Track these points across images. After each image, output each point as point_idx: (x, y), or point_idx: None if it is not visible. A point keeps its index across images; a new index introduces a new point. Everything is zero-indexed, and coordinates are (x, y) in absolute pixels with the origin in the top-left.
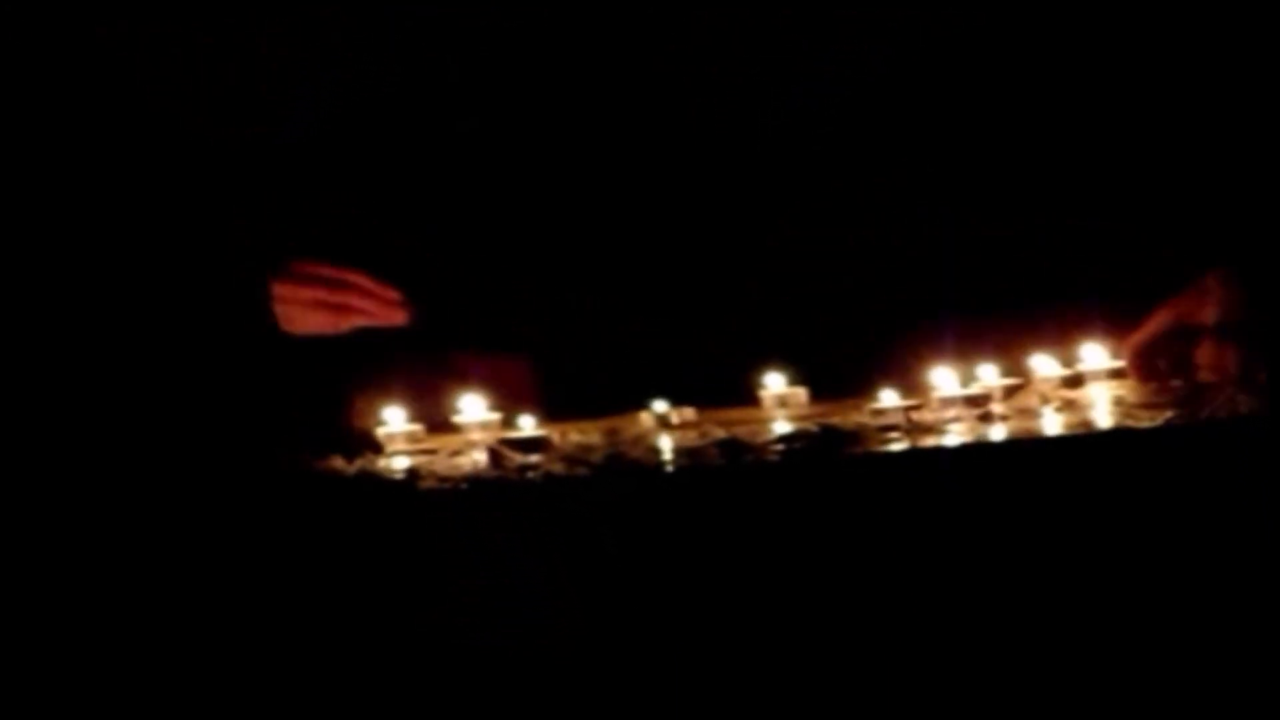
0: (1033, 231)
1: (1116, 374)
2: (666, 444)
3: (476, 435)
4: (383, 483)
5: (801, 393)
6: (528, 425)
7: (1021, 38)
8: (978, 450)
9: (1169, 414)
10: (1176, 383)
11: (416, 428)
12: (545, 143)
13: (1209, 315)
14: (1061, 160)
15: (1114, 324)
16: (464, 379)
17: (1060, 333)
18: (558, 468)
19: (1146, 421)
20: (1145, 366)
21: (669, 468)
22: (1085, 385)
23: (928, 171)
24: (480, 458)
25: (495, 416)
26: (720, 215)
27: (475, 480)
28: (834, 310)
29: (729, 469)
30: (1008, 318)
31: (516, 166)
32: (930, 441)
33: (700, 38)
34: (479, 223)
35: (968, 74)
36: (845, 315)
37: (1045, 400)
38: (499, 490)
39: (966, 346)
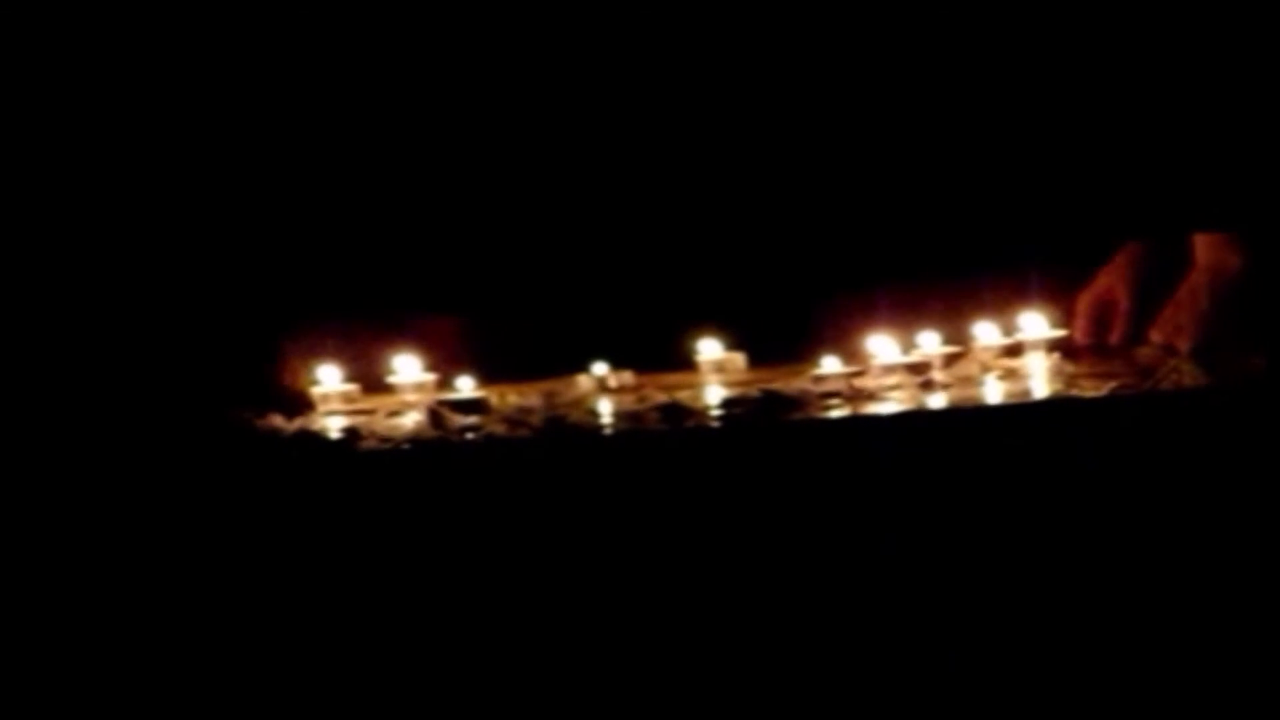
0: (973, 199)
1: (1056, 343)
2: (607, 407)
3: (412, 396)
4: (323, 442)
5: (739, 358)
6: (466, 387)
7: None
8: (919, 417)
9: (1113, 384)
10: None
11: (352, 387)
12: (483, 106)
13: (1125, 286)
14: (1001, 129)
15: (1053, 293)
16: (399, 339)
17: (1000, 301)
18: (499, 429)
19: (1091, 391)
20: (1091, 328)
21: (610, 431)
22: (1025, 354)
23: (868, 139)
24: (419, 418)
25: (430, 377)
26: (658, 179)
27: (416, 441)
28: (772, 276)
29: (671, 433)
30: (948, 285)
31: (456, 130)
32: (872, 408)
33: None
34: (417, 185)
35: (903, 43)
36: (784, 281)
37: (986, 368)
38: (440, 451)
39: (906, 313)
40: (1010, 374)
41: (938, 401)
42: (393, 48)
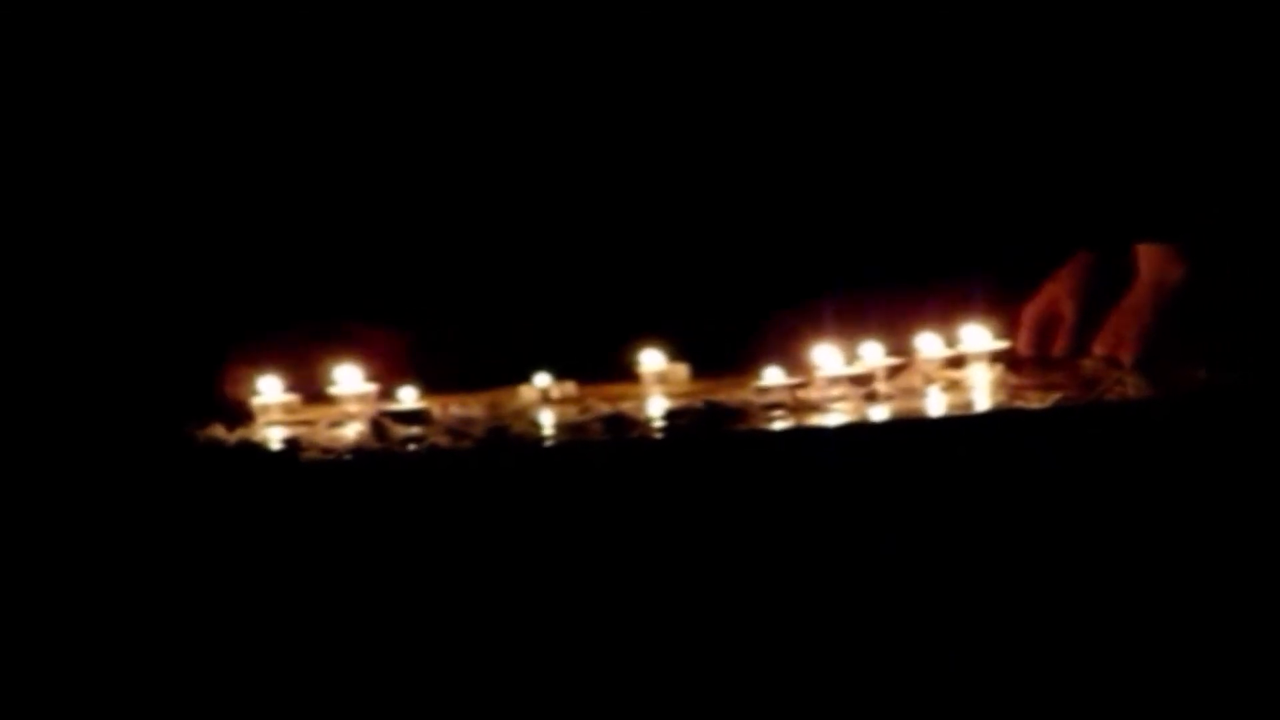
0: (915, 210)
1: (999, 356)
2: (549, 419)
3: (354, 407)
4: (265, 453)
5: (682, 369)
6: (408, 398)
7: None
8: (864, 429)
9: (1057, 396)
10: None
11: (292, 398)
12: (424, 115)
13: (1070, 298)
14: (947, 141)
15: (996, 305)
16: (339, 350)
17: (943, 313)
18: (442, 440)
19: (1035, 403)
20: (1035, 339)
21: (553, 442)
22: (968, 366)
23: (812, 150)
24: (362, 429)
25: (372, 388)
26: (601, 190)
27: (358, 452)
28: (715, 287)
29: (614, 444)
30: (890, 296)
31: (396, 141)
32: (816, 420)
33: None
34: (358, 196)
35: (845, 54)
36: (727, 293)
37: (929, 380)
38: (383, 462)
39: (849, 325)
40: (953, 386)
41: (882, 413)
42: (329, 64)
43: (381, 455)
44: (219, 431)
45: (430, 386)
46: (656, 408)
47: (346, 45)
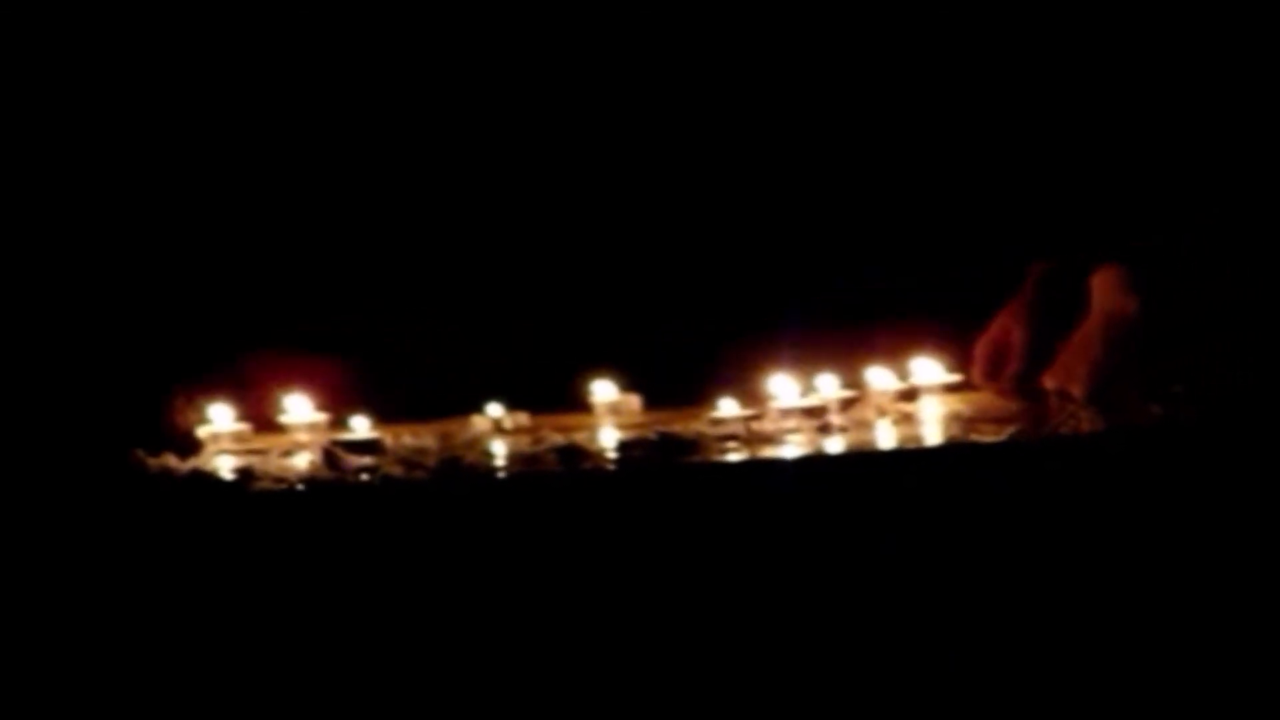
0: (866, 243)
1: (951, 388)
2: (502, 449)
3: (304, 436)
4: (217, 482)
5: (634, 400)
6: (361, 427)
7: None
8: (819, 461)
9: (1011, 429)
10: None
11: (243, 427)
12: (370, 137)
13: (1022, 326)
14: (897, 171)
15: (947, 338)
16: (289, 379)
17: (893, 346)
18: (396, 470)
19: (989, 436)
20: (988, 369)
21: (506, 473)
22: (920, 398)
23: (762, 182)
24: (314, 458)
25: (323, 417)
26: (550, 219)
27: (311, 481)
28: (668, 318)
29: (567, 475)
30: (840, 329)
31: (342, 169)
32: (770, 452)
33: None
34: (304, 225)
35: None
36: (679, 323)
37: (882, 412)
38: (335, 492)
39: (803, 357)
40: (906, 418)
41: (837, 446)
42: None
43: (334, 485)
44: (171, 461)
45: (381, 416)
46: (610, 439)
47: (286, 70)
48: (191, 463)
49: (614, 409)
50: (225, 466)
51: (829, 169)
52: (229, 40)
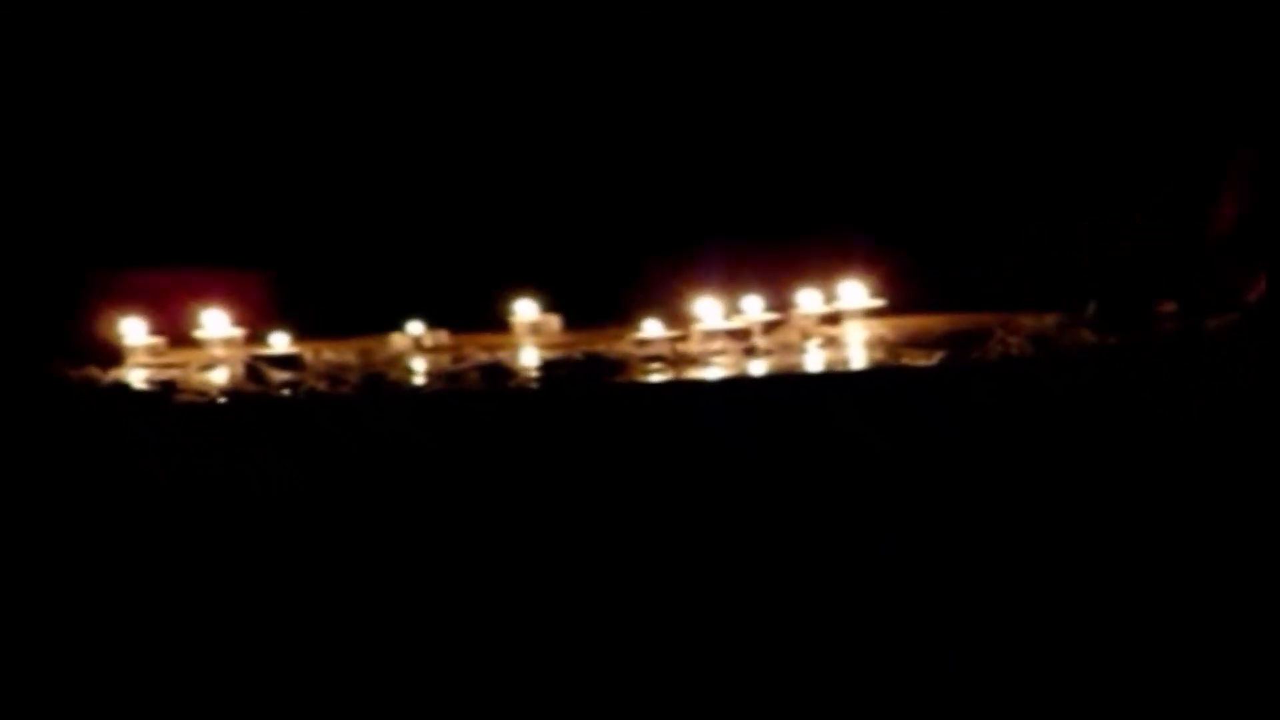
0: (789, 163)
1: (874, 312)
2: (424, 366)
3: (221, 351)
4: (140, 394)
5: (555, 320)
6: (280, 343)
7: None
8: (747, 384)
9: (940, 354)
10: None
11: (158, 340)
12: (299, 65)
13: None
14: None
15: (871, 260)
16: (204, 293)
17: (817, 268)
18: (320, 385)
19: (918, 360)
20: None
21: (431, 390)
22: (844, 322)
23: (691, 98)
24: (235, 372)
25: (239, 332)
26: (471, 135)
27: (233, 395)
28: (588, 238)
29: (493, 394)
30: (768, 249)
31: (271, 85)
32: (696, 373)
33: None
34: (227, 138)
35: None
36: (600, 243)
37: (806, 335)
38: (259, 406)
39: (721, 278)
40: (831, 342)
41: (762, 368)
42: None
43: (258, 399)
44: (93, 372)
45: (297, 332)
46: (534, 358)
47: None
48: (113, 375)
49: (534, 328)
50: (145, 379)
51: (756, 86)
52: None
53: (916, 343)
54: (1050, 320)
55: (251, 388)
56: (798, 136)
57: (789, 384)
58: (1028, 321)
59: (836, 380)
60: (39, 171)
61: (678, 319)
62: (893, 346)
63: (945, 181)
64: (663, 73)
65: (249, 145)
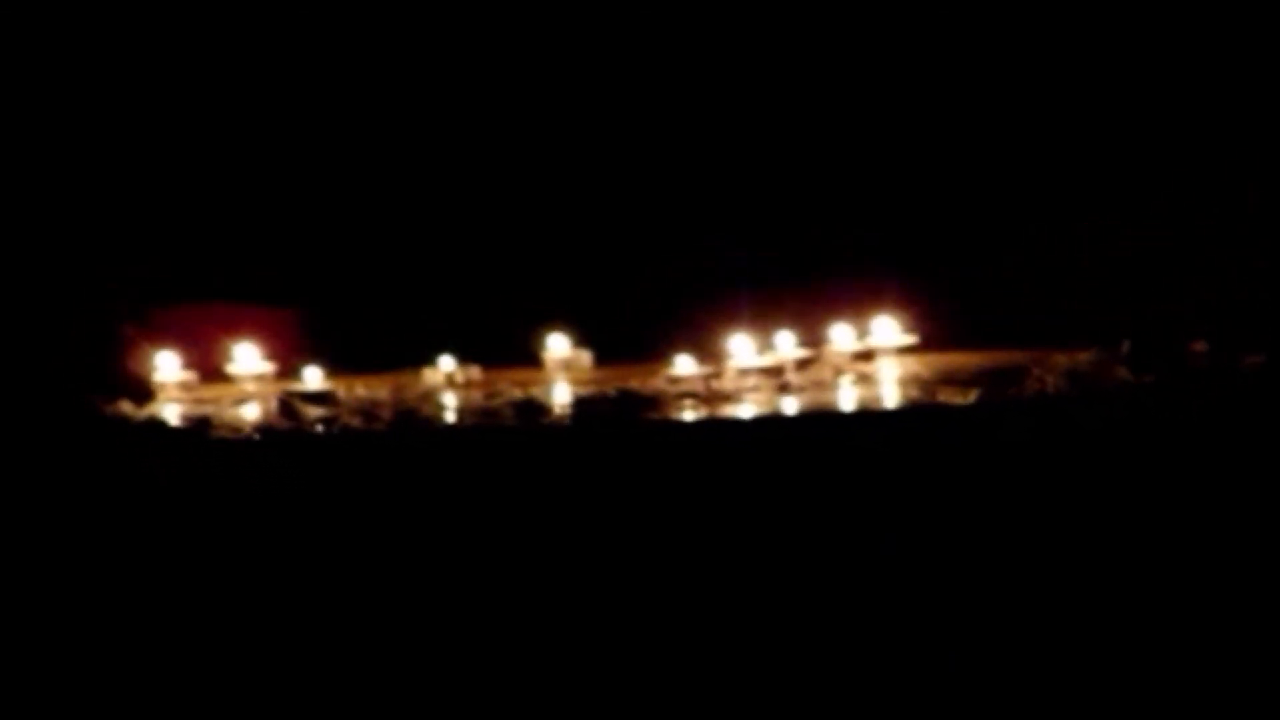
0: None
1: (908, 349)
2: (458, 402)
3: (252, 386)
4: (175, 431)
5: (586, 355)
6: (313, 378)
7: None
8: (783, 422)
9: (975, 392)
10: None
11: (189, 376)
12: (327, 98)
13: None
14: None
15: (904, 298)
16: (235, 328)
17: (850, 305)
18: (354, 422)
19: (953, 398)
20: None
21: (465, 426)
22: (877, 359)
23: (724, 138)
24: (269, 408)
25: (270, 368)
26: (505, 176)
27: (268, 431)
28: (621, 275)
29: (527, 430)
30: (800, 287)
31: (301, 121)
32: (731, 411)
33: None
34: (259, 174)
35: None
36: (628, 279)
37: (840, 372)
38: (293, 442)
39: (754, 315)
40: (864, 379)
41: (797, 406)
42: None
43: (291, 435)
44: (126, 408)
45: (329, 367)
46: (567, 394)
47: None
48: (147, 410)
49: (565, 364)
50: (179, 415)
51: (790, 124)
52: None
53: (951, 380)
54: (1084, 358)
55: (285, 424)
56: (832, 173)
57: (825, 422)
58: (1061, 359)
59: (873, 418)
60: (74, 208)
61: (710, 355)
62: (928, 384)
63: (976, 218)
64: (697, 114)
65: (282, 181)
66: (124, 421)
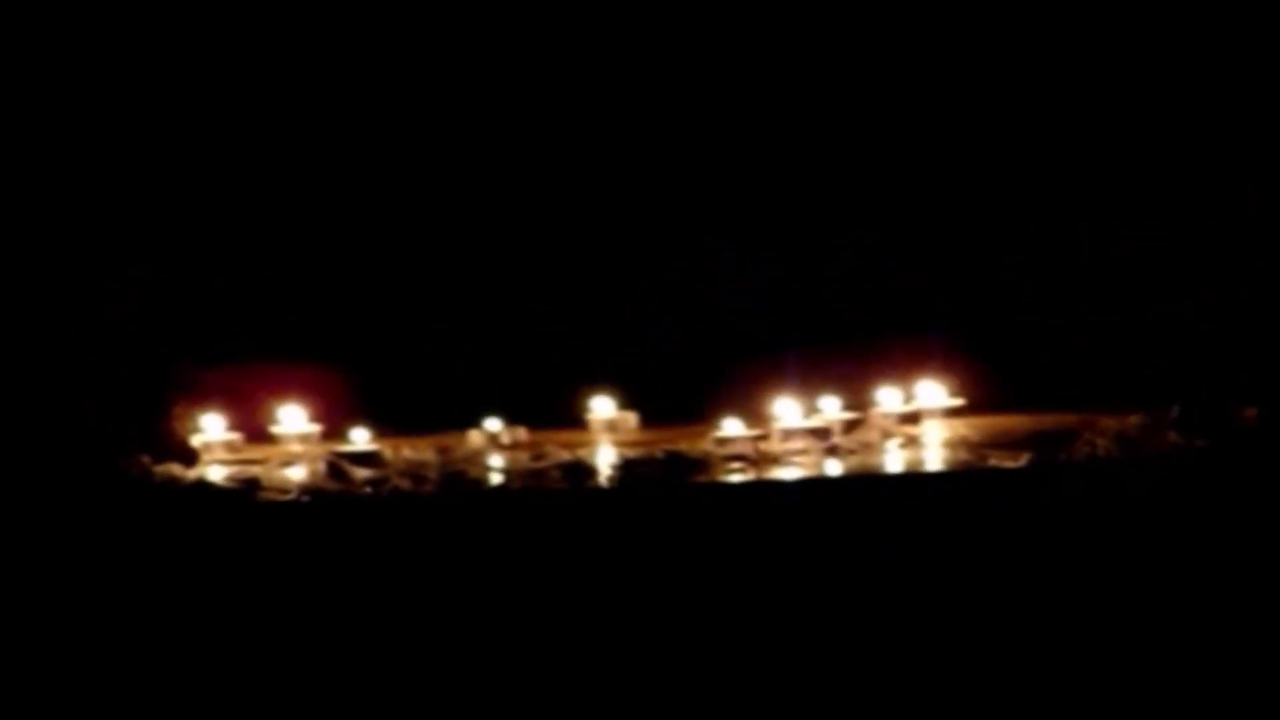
0: (876, 264)
1: (953, 411)
2: (506, 464)
3: (297, 446)
4: (223, 492)
5: (631, 417)
6: (360, 439)
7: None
8: (837, 483)
9: (1025, 455)
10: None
11: (235, 436)
12: (379, 149)
13: None
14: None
15: (949, 360)
16: (278, 389)
17: (898, 367)
18: (404, 484)
19: (1005, 462)
20: None
21: (513, 489)
22: (923, 421)
23: (769, 203)
24: (316, 469)
25: (316, 428)
26: (548, 238)
27: (316, 493)
28: (661, 336)
29: (575, 492)
30: (847, 350)
31: (344, 182)
32: (780, 473)
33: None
34: (303, 236)
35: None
36: (672, 341)
37: (887, 435)
38: (341, 504)
39: (799, 377)
40: (911, 441)
41: (845, 468)
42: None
43: (340, 497)
44: (174, 469)
45: (374, 427)
46: (615, 456)
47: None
48: (195, 472)
49: (611, 425)
50: (226, 476)
51: (833, 187)
52: (225, 41)
53: (999, 443)
54: (1133, 421)
55: (334, 485)
56: (879, 238)
57: (877, 484)
58: (1110, 423)
59: (924, 480)
60: (122, 270)
61: (754, 417)
62: (976, 446)
63: (1024, 280)
64: (747, 173)
65: (330, 241)
66: (172, 483)
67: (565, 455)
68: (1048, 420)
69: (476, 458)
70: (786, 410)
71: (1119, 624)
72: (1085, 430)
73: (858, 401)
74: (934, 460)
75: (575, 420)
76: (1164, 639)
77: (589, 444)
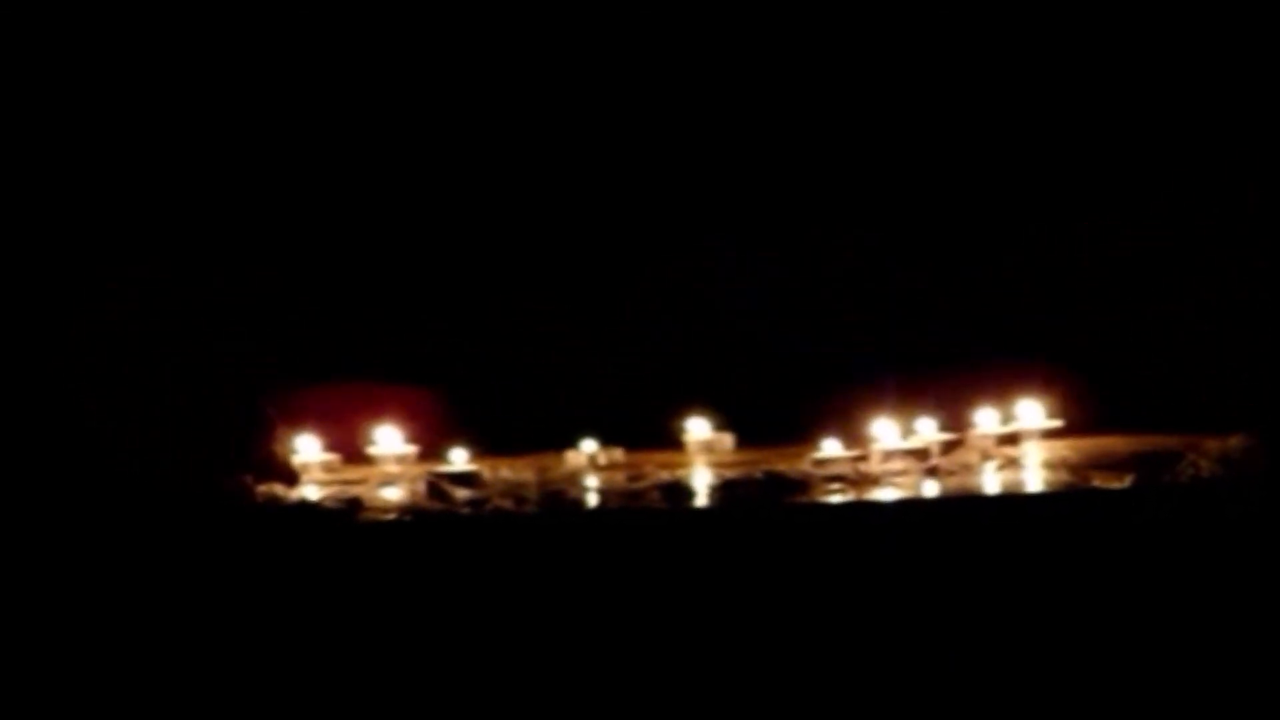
0: (974, 285)
1: (1052, 433)
2: (604, 485)
3: (394, 467)
4: (326, 512)
5: (728, 438)
6: (459, 459)
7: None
8: (931, 505)
9: (1129, 477)
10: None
11: (332, 457)
12: (469, 176)
13: None
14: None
15: (1048, 381)
16: (375, 409)
17: (996, 388)
18: (505, 504)
19: (1108, 483)
20: None
21: (613, 508)
22: (1022, 442)
23: (864, 227)
24: (417, 489)
25: (412, 449)
26: (642, 260)
27: (418, 513)
28: (764, 360)
29: (675, 512)
30: (944, 371)
31: (437, 203)
32: (882, 494)
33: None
34: (401, 255)
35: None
36: (767, 363)
37: (986, 456)
38: (443, 524)
39: (896, 398)
40: (1013, 463)
41: (947, 489)
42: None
43: (441, 517)
44: (277, 489)
45: (471, 448)
46: (714, 477)
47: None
48: (294, 493)
49: (707, 446)
50: (327, 496)
51: (929, 209)
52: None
53: (1100, 464)
54: (1235, 443)
55: (434, 505)
56: (975, 260)
57: (980, 505)
58: (1213, 444)
59: (1027, 501)
60: (214, 295)
61: (851, 438)
62: (1077, 468)
63: (1125, 301)
64: (831, 207)
65: (423, 265)
66: (277, 503)
67: (664, 476)
68: (1148, 441)
69: (575, 478)
70: (885, 431)
71: (1227, 647)
72: (1188, 451)
73: (955, 423)
74: (1035, 481)
75: (671, 441)
76: (1273, 661)
77: (686, 465)
